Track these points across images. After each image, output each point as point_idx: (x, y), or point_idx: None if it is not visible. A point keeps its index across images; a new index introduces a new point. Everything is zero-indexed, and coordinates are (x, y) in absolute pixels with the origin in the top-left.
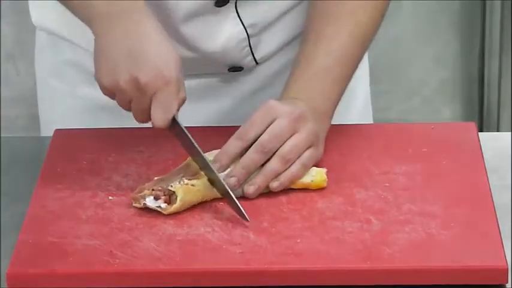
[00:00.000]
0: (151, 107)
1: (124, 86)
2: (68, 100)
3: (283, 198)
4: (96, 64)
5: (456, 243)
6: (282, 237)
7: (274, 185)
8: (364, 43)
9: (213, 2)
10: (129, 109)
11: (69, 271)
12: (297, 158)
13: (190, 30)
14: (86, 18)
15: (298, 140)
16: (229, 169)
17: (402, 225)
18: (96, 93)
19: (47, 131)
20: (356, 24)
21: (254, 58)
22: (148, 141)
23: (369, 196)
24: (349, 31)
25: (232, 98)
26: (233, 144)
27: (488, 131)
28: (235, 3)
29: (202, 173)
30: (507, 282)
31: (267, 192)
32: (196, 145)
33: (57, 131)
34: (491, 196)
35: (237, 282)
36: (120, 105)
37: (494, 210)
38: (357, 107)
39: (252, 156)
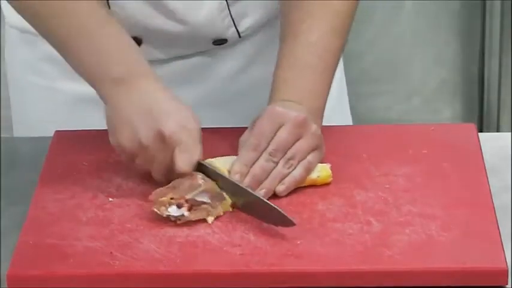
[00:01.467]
0: (175, 154)
1: (147, 143)
2: (47, 95)
3: (283, 200)
4: (112, 129)
5: (456, 244)
6: (282, 239)
7: (281, 189)
8: (343, 33)
9: None
10: (148, 169)
11: (70, 273)
12: (301, 162)
13: (176, 2)
14: (90, 81)
15: (302, 144)
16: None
17: (402, 226)
18: (76, 87)
19: (24, 128)
20: (333, 14)
21: (237, 30)
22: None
23: (369, 198)
24: (327, 22)
25: (215, 80)
26: (249, 156)
27: (488, 131)
28: None
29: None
30: (507, 284)
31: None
32: (228, 176)
33: (57, 132)
34: (491, 197)
35: (237, 284)
36: (139, 166)
37: (494, 212)
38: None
39: (262, 164)
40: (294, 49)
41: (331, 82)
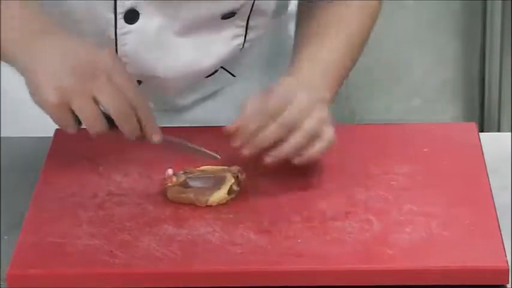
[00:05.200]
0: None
1: (78, 68)
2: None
3: (283, 199)
4: (38, 89)
5: (457, 243)
6: (283, 237)
7: (296, 160)
8: (356, 50)
9: None
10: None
11: (70, 271)
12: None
13: None
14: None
15: (320, 116)
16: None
17: (403, 225)
18: None
19: (22, 128)
20: (348, 34)
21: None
22: (148, 141)
23: (370, 196)
24: (345, 37)
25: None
26: (255, 119)
27: (488, 131)
28: None
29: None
30: (508, 283)
31: (267, 193)
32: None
33: (58, 130)
34: (492, 196)
35: (237, 282)
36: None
37: (495, 211)
38: None
39: (275, 130)
40: (315, 49)
41: (342, 81)
